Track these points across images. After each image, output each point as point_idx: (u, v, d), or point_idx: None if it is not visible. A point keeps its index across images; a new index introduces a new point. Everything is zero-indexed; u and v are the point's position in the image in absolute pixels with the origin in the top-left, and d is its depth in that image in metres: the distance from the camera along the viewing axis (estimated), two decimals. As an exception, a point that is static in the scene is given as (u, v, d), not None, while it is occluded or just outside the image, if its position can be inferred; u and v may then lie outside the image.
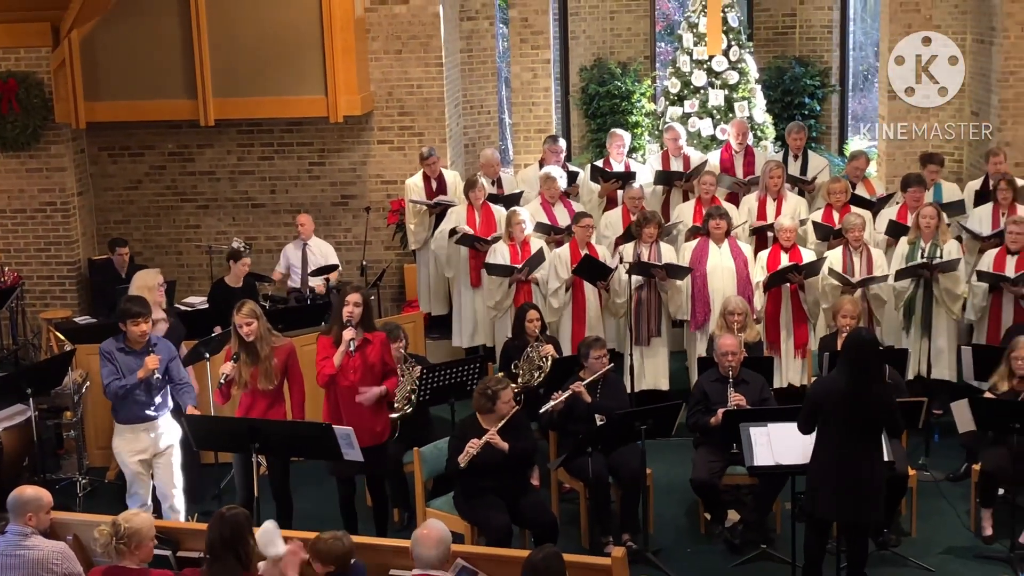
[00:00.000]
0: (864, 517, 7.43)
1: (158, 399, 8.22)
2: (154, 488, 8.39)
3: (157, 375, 8.13)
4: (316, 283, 11.63)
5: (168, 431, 8.31)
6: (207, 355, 9.12)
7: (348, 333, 8.06)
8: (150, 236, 13.34)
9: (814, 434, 7.43)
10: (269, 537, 6.20)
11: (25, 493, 6.62)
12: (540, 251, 10.52)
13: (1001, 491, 8.45)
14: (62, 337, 10.49)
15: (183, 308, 10.97)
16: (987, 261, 10.02)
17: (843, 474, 7.29)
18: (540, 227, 11.06)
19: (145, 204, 13.33)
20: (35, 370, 9.90)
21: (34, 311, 12.60)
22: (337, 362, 8.06)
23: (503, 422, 7.79)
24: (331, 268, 11.71)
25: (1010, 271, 9.81)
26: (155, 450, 8.26)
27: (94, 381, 9.73)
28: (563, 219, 11.25)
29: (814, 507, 7.51)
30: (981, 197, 11.23)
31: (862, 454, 7.28)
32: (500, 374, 8.90)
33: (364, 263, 12.27)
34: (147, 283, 9.08)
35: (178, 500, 8.40)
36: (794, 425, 7.68)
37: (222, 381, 8.14)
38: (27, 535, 6.50)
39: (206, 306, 11.08)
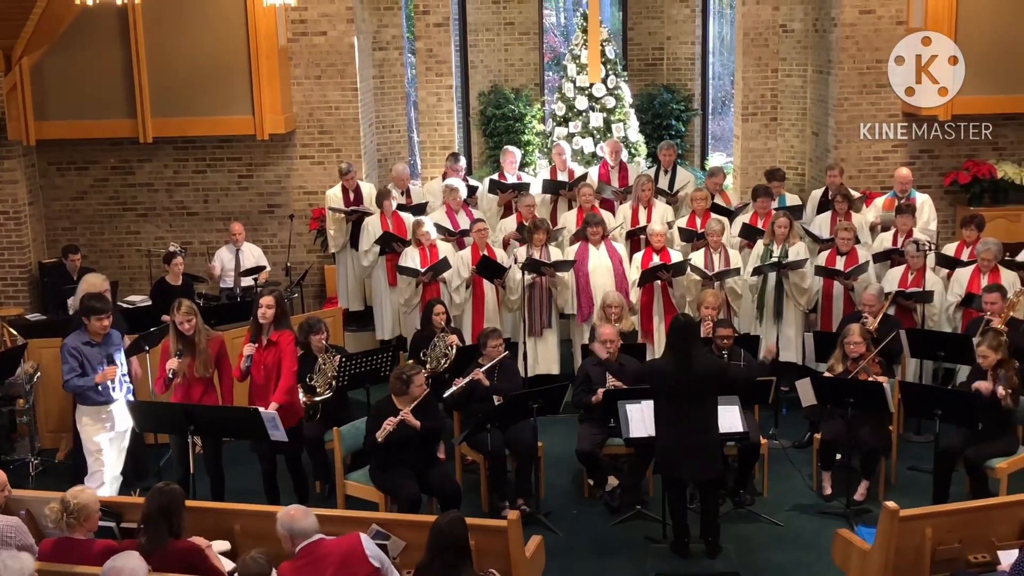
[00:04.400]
0: (708, 474, 7.55)
1: (114, 386, 8.05)
2: None
3: (121, 373, 8.06)
4: (247, 282, 11.52)
5: (123, 415, 8.10)
6: (147, 348, 9.03)
7: (247, 349, 8.11)
8: (95, 241, 13.03)
9: None
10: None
11: (-20, 474, 6.46)
12: (445, 259, 10.51)
13: (838, 456, 8.64)
14: (15, 332, 10.23)
15: (125, 306, 10.75)
16: (821, 260, 10.33)
17: (683, 439, 7.39)
18: (439, 229, 11.08)
19: (90, 213, 13.02)
20: (-10, 362, 9.62)
21: (-12, 310, 12.25)
22: (243, 367, 8.13)
23: (415, 403, 7.79)
24: (260, 269, 11.59)
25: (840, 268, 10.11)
26: (115, 428, 8.09)
27: (45, 372, 9.52)
28: (465, 225, 11.25)
29: (665, 470, 7.63)
30: (822, 206, 11.50)
31: (697, 420, 7.38)
32: (411, 361, 8.88)
33: (288, 265, 12.15)
34: (93, 286, 8.87)
35: (116, 479, 8.24)
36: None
37: (170, 376, 8.01)
38: (-18, 511, 6.34)
39: (147, 304, 10.88)
